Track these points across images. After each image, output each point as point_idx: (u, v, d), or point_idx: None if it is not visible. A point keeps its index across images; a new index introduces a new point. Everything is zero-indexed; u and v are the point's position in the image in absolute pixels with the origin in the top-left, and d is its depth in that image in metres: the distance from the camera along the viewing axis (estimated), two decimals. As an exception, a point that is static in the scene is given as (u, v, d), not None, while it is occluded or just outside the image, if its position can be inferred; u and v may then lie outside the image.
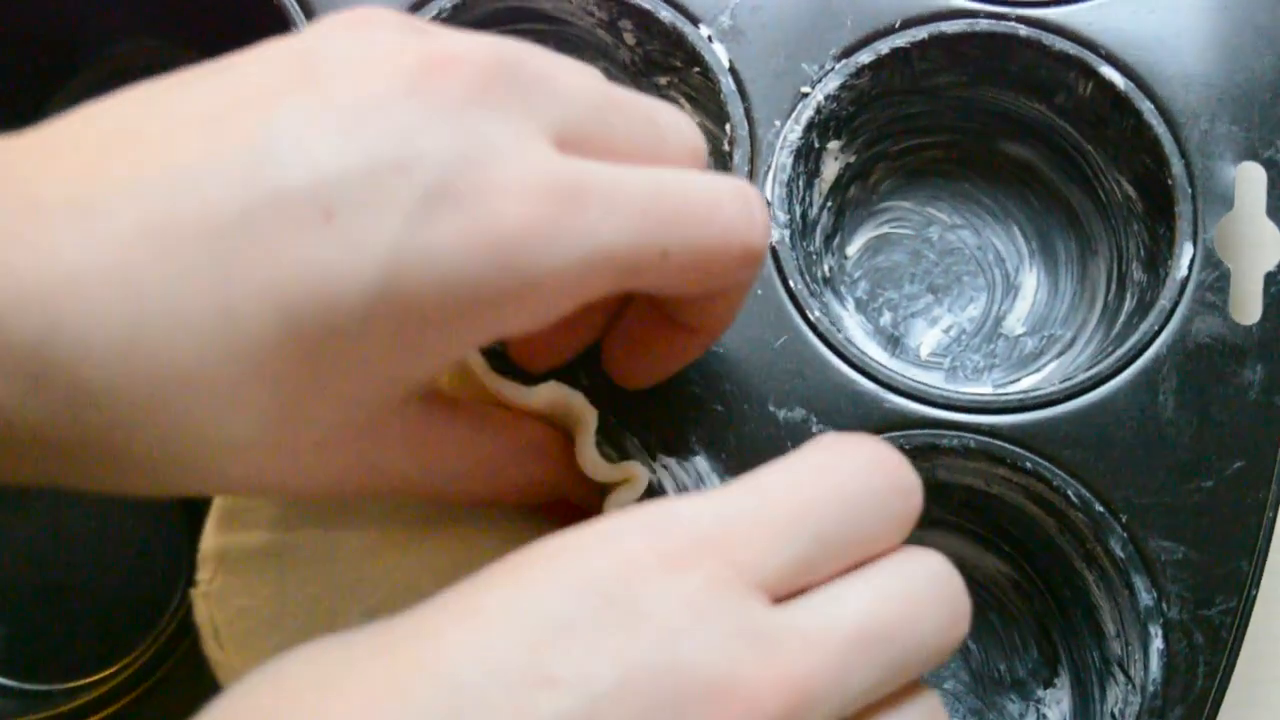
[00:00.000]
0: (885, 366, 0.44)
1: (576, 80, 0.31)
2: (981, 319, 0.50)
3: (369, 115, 0.27)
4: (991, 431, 0.43)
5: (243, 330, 0.26)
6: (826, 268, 0.50)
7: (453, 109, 0.28)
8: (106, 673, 0.43)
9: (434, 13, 0.48)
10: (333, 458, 0.30)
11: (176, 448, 0.27)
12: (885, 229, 0.51)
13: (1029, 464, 0.43)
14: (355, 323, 0.27)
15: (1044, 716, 0.46)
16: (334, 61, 0.29)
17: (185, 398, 0.26)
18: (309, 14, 0.48)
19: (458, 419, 0.35)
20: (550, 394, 0.42)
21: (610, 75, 0.51)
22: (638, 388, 0.41)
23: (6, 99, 0.50)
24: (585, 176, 0.29)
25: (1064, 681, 0.46)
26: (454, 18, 0.48)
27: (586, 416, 0.41)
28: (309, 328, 0.27)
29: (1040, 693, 0.46)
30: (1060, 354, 0.49)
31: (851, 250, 0.51)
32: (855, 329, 0.49)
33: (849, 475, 0.30)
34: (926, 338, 0.50)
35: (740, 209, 0.32)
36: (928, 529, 0.47)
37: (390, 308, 0.27)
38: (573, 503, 0.40)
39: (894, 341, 0.49)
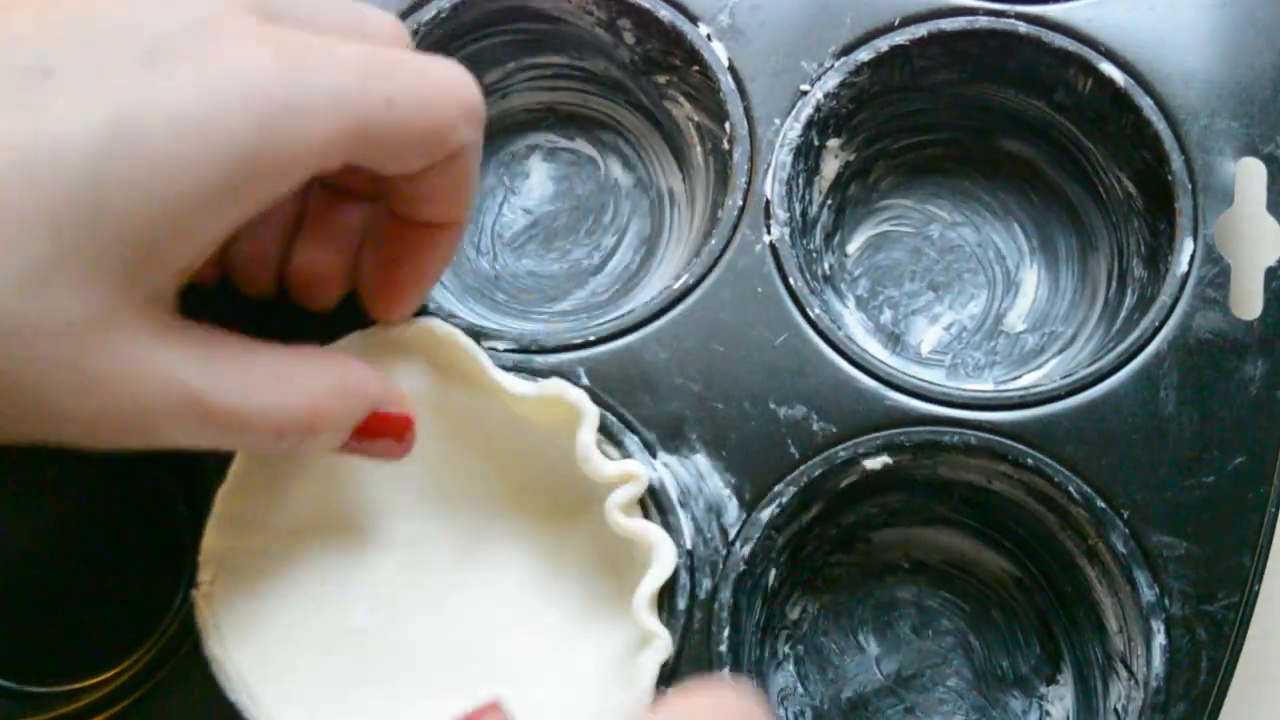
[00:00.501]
0: (886, 364, 0.44)
1: None
2: (982, 316, 0.50)
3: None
4: (993, 428, 0.43)
5: None
6: (827, 265, 0.50)
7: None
8: (107, 675, 0.43)
9: (433, 13, 0.48)
10: (101, 350, 0.29)
11: None
12: (885, 226, 0.51)
13: (1030, 460, 0.43)
14: (86, 173, 0.27)
15: (1047, 713, 0.45)
16: None
17: None
18: (308, 14, 0.48)
19: (235, 331, 0.34)
20: (552, 389, 0.42)
21: (610, 73, 0.51)
22: (402, 316, 0.41)
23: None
24: (299, 37, 0.30)
25: (1067, 678, 0.46)
26: (452, 17, 0.48)
27: (587, 415, 0.42)
28: (43, 176, 0.27)
29: (1043, 689, 0.46)
30: (1061, 351, 0.49)
31: (852, 248, 0.51)
32: (856, 326, 0.49)
33: None
34: (927, 335, 0.50)
35: (448, 68, 0.34)
36: (929, 526, 0.47)
37: (124, 155, 0.27)
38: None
39: (895, 339, 0.49)
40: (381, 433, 0.38)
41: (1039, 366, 0.49)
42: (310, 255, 0.39)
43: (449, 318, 0.45)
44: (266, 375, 0.33)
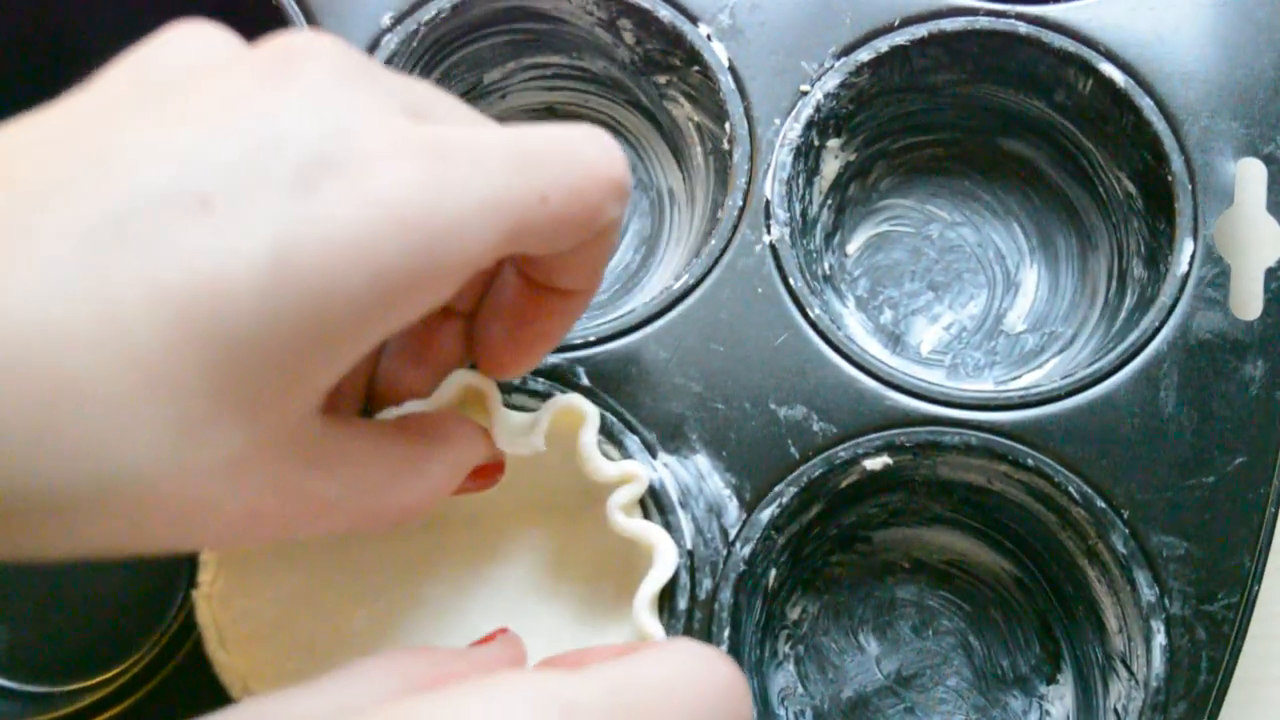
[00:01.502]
0: (886, 364, 0.44)
1: (403, 75, 0.32)
2: (982, 316, 0.50)
3: (229, 106, 0.27)
4: (993, 428, 0.43)
5: (131, 335, 0.24)
6: (827, 265, 0.50)
7: (310, 91, 0.28)
8: (109, 675, 0.43)
9: (433, 12, 0.48)
10: (247, 482, 0.28)
11: (82, 481, 0.25)
12: (885, 227, 0.51)
13: (1030, 460, 0.43)
14: (250, 313, 0.25)
15: (1047, 713, 0.46)
16: (173, 69, 0.28)
17: (82, 418, 0.24)
18: (308, 16, 0.48)
19: (363, 428, 0.34)
20: (553, 409, 0.41)
21: (609, 73, 0.51)
22: (516, 374, 0.39)
23: (3, 104, 0.50)
24: (446, 135, 0.29)
25: (1067, 677, 0.46)
26: (453, 17, 0.48)
27: (588, 416, 0.41)
28: (203, 324, 0.25)
29: (1043, 689, 0.46)
30: (1061, 351, 0.49)
31: (852, 248, 0.51)
32: (856, 327, 0.49)
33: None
34: (927, 335, 0.50)
35: (596, 146, 0.32)
36: (930, 526, 0.47)
37: (286, 289, 0.26)
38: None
39: (895, 339, 0.49)
40: (476, 483, 0.39)
41: (1039, 366, 0.49)
42: (397, 369, 0.38)
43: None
44: (397, 472, 0.33)
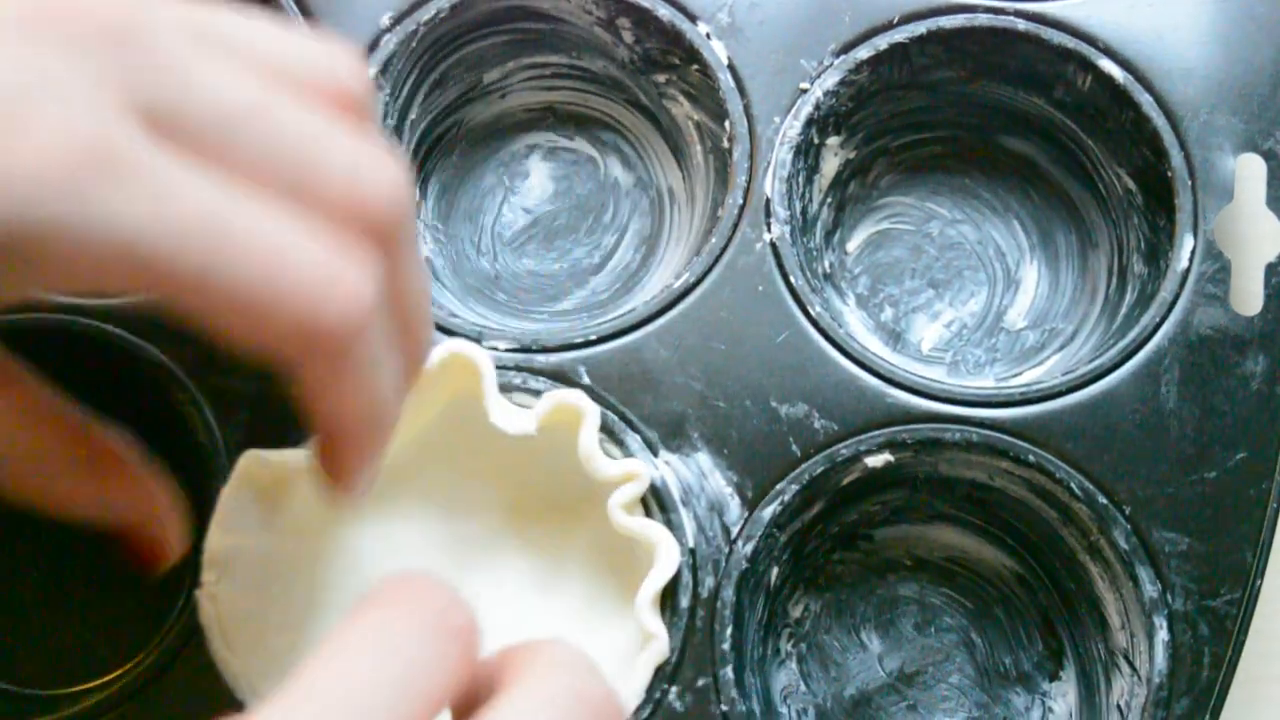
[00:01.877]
0: (887, 361, 0.44)
1: (225, 81, 0.28)
2: (983, 313, 0.50)
3: None
4: (994, 425, 0.43)
5: None
6: (827, 264, 0.50)
7: (42, 46, 0.26)
8: (111, 676, 0.43)
9: (432, 13, 0.48)
10: None
11: None
12: (885, 224, 0.51)
13: (1032, 457, 0.43)
14: None
15: (1050, 709, 0.46)
16: None
17: None
18: (306, 15, 0.48)
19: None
20: (551, 404, 0.42)
21: (609, 72, 0.51)
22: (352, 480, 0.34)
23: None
24: (142, 156, 0.26)
25: (1069, 674, 0.46)
26: (451, 17, 0.48)
27: (588, 414, 0.42)
28: None
29: (1046, 685, 0.46)
30: (1062, 347, 0.49)
31: (852, 246, 0.51)
32: (856, 325, 0.49)
33: (399, 647, 0.27)
34: (928, 333, 0.50)
35: (323, 277, 0.27)
36: (931, 523, 0.47)
37: None
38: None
39: (895, 337, 0.49)
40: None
41: (1040, 363, 0.49)
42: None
43: (451, 317, 0.45)
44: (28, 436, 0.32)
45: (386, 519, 0.44)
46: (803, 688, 0.46)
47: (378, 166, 0.29)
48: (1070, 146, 0.50)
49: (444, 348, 0.41)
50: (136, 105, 0.26)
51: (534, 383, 0.44)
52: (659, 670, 0.41)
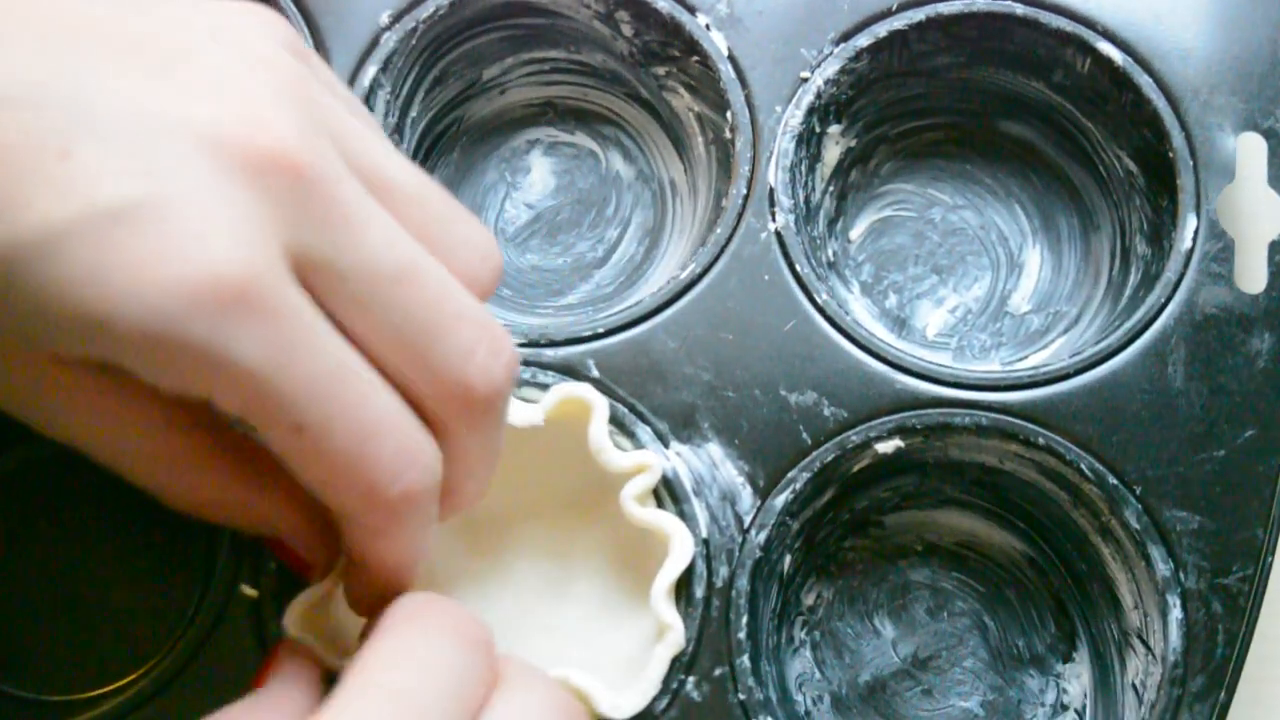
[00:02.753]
0: (895, 347, 0.44)
1: (383, 242, 0.29)
2: (987, 298, 0.50)
3: (162, 129, 0.27)
4: (1003, 408, 0.44)
5: None
6: (830, 252, 0.50)
7: (229, 173, 0.27)
8: (126, 681, 0.43)
9: (431, 9, 0.48)
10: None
11: None
12: (888, 212, 0.51)
13: (1041, 439, 0.43)
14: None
15: (1064, 691, 0.46)
16: (201, 49, 0.28)
17: None
18: (306, 16, 0.48)
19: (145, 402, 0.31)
20: (558, 396, 0.42)
21: (608, 66, 0.51)
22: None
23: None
24: (286, 302, 0.27)
25: (1083, 655, 0.46)
26: (450, 14, 0.48)
27: (597, 407, 0.42)
28: None
29: (1060, 667, 0.46)
30: (1066, 330, 0.49)
31: (855, 234, 0.51)
32: (861, 312, 0.49)
33: (436, 662, 0.29)
34: (932, 318, 0.50)
35: (405, 455, 0.29)
36: (941, 508, 0.47)
37: (31, 266, 0.25)
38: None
39: (900, 323, 0.50)
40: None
41: (1045, 346, 0.49)
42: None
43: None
44: (150, 451, 0.32)
45: (461, 555, 0.44)
46: (817, 675, 0.46)
47: (493, 353, 0.31)
48: (1070, 130, 0.50)
49: None
50: (295, 248, 0.28)
51: (543, 376, 0.44)
52: (676, 661, 0.41)
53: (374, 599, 0.33)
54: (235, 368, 0.27)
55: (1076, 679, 0.46)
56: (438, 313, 0.30)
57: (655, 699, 0.41)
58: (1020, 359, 0.49)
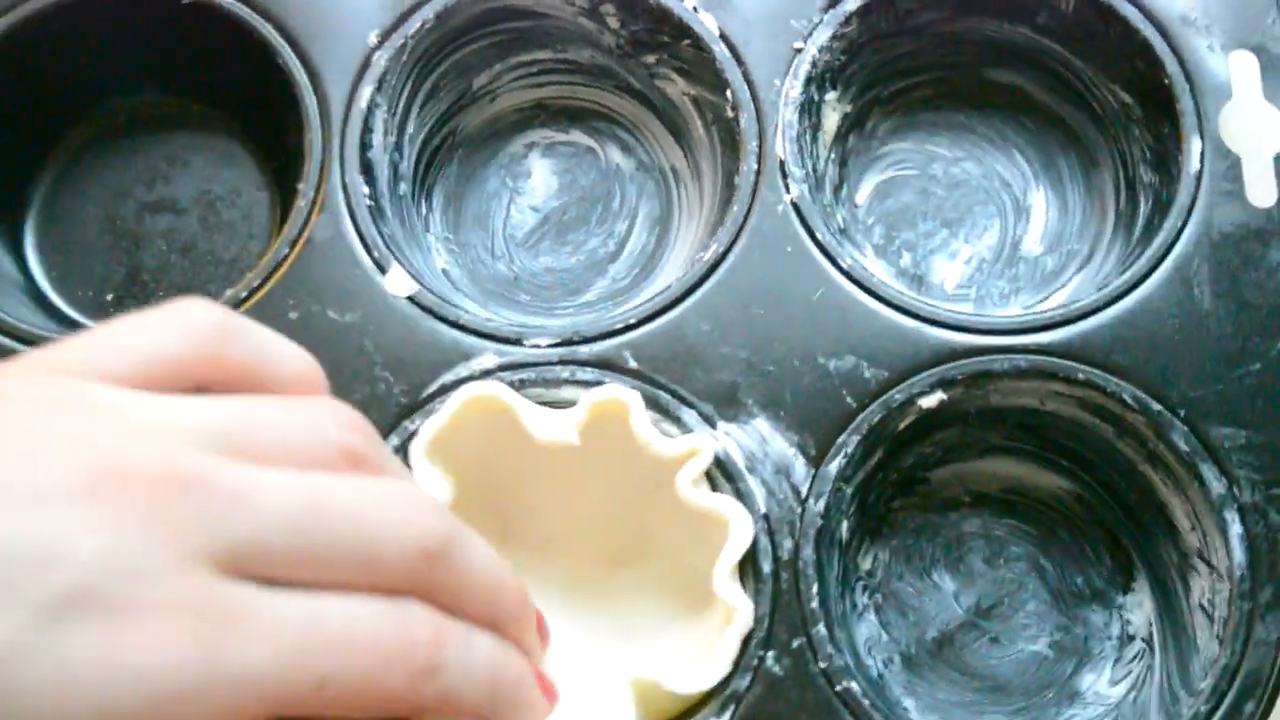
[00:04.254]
0: (926, 302, 0.45)
1: (277, 492, 0.29)
2: (999, 245, 0.50)
3: (26, 506, 0.26)
4: (1040, 349, 0.44)
5: None
6: (840, 219, 0.50)
7: (115, 519, 0.26)
8: None
9: (419, 24, 0.47)
10: None
11: None
12: (890, 172, 0.51)
13: (1081, 375, 0.44)
14: None
15: (1129, 621, 0.46)
16: (12, 437, 0.27)
17: None
18: (291, 42, 0.47)
19: None
20: (588, 405, 0.41)
21: (595, 61, 0.51)
22: None
23: (10, 148, 0.49)
24: (242, 602, 0.27)
25: (1142, 584, 0.46)
26: (437, 26, 0.48)
27: (632, 403, 0.41)
28: None
29: (1121, 599, 0.46)
30: (1081, 267, 0.50)
31: (861, 198, 0.51)
32: (879, 274, 0.49)
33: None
34: (949, 271, 0.50)
35: (404, 642, 0.30)
36: (984, 457, 0.48)
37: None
38: None
39: (918, 280, 0.50)
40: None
41: (1063, 286, 0.49)
42: None
43: (487, 321, 0.45)
44: None
45: None
46: (885, 637, 0.46)
47: (411, 506, 0.31)
48: (1060, 71, 0.51)
49: (458, 396, 0.41)
50: (215, 550, 0.27)
51: (581, 374, 0.44)
52: (750, 639, 0.41)
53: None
54: (239, 688, 0.26)
55: (1139, 608, 0.46)
56: (351, 515, 0.30)
57: (735, 678, 0.40)
58: (1041, 300, 0.49)
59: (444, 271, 0.50)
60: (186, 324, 0.30)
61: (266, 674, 0.27)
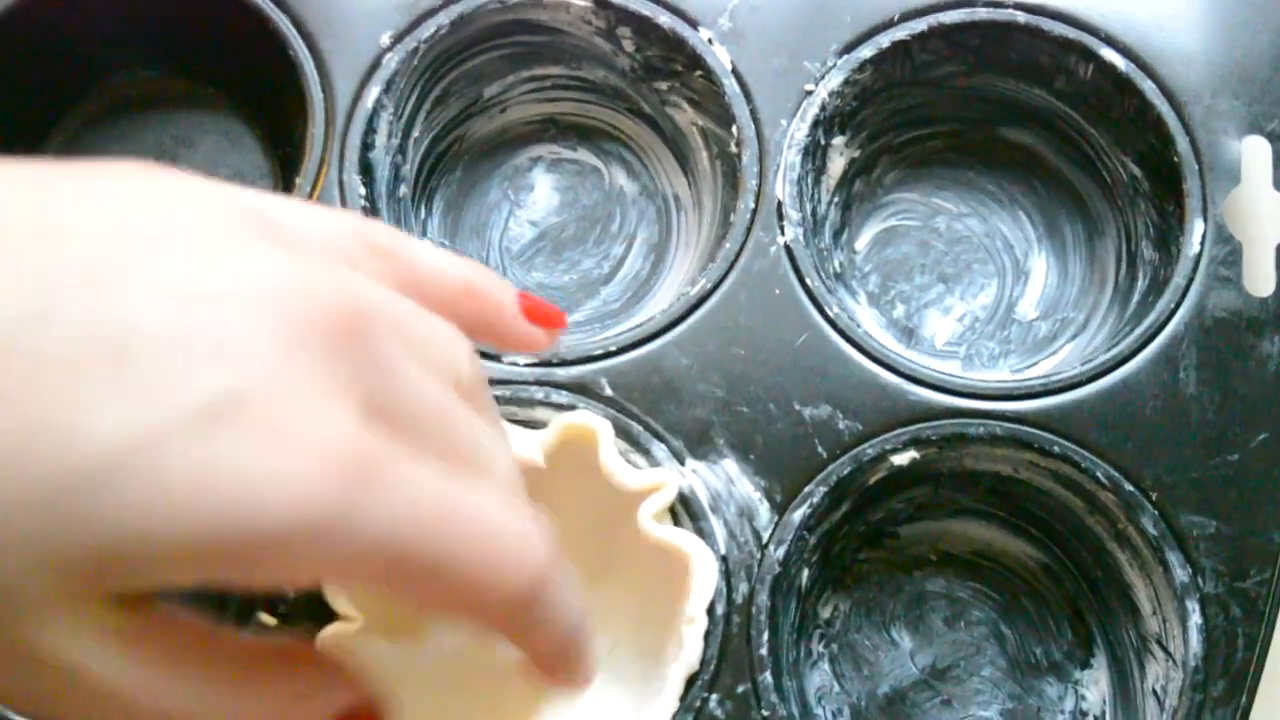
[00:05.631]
0: (907, 358, 0.44)
1: (421, 384, 0.29)
2: (994, 306, 0.50)
3: (204, 299, 0.25)
4: (1017, 417, 0.44)
5: None
6: (837, 263, 0.50)
7: (290, 337, 0.26)
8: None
9: (433, 29, 0.47)
10: None
11: None
12: (892, 221, 0.51)
13: (1057, 448, 0.43)
14: (85, 477, 0.23)
15: (1083, 697, 0.46)
16: (202, 240, 0.27)
17: None
18: (306, 39, 0.47)
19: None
20: (558, 427, 0.41)
21: (609, 82, 0.51)
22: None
23: (12, 125, 0.50)
24: (388, 456, 0.27)
25: (1100, 662, 0.46)
26: (452, 33, 0.48)
27: (602, 430, 0.41)
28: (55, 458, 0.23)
29: (1078, 674, 0.46)
30: (1074, 336, 0.49)
31: (860, 244, 0.51)
32: (869, 322, 0.49)
33: None
34: (941, 327, 0.50)
35: (523, 540, 0.29)
36: (956, 518, 0.47)
37: (127, 485, 0.23)
38: None
39: (908, 333, 0.50)
40: None
41: (1053, 353, 0.49)
42: None
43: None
44: (217, 689, 0.29)
45: None
46: (837, 688, 0.46)
47: (500, 444, 0.32)
48: (1073, 136, 0.50)
49: None
50: (368, 404, 0.27)
51: (556, 396, 0.43)
52: (697, 679, 0.41)
53: (573, 676, 0.33)
54: (371, 540, 0.26)
55: (1095, 685, 0.46)
56: (464, 430, 0.30)
57: (678, 717, 0.40)
58: (1029, 366, 0.49)
59: (436, 277, 0.49)
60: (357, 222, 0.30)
61: (399, 536, 0.26)
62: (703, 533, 0.42)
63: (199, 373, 0.24)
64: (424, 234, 0.50)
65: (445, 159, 0.52)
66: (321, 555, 0.25)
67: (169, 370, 0.24)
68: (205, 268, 0.26)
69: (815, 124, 0.47)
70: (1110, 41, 0.47)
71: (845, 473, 0.43)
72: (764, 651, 0.41)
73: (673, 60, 0.49)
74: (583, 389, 0.44)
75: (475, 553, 0.28)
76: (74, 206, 0.26)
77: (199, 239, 0.26)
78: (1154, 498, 0.43)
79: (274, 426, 0.25)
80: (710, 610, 0.41)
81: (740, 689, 0.41)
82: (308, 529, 0.25)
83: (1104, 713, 0.45)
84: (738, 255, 0.45)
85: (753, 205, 0.46)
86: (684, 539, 0.41)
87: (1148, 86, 0.47)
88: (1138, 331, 0.44)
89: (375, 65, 0.47)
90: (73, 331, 0.24)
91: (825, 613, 0.47)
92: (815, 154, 0.48)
